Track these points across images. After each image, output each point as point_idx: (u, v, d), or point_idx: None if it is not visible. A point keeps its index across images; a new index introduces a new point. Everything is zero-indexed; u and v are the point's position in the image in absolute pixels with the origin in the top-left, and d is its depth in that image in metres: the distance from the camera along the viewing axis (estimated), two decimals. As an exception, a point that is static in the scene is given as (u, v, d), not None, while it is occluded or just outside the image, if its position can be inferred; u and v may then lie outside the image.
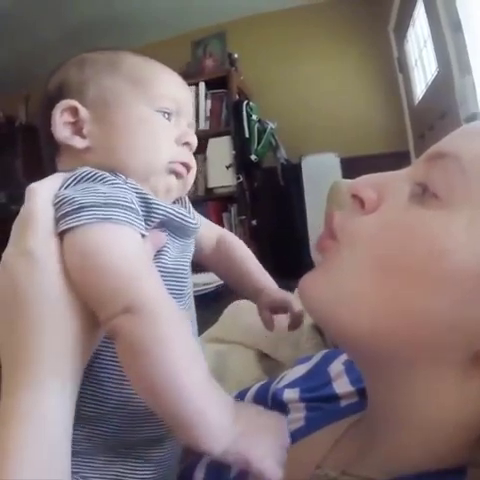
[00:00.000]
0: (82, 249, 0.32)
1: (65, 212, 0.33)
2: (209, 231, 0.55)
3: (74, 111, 0.40)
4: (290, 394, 0.50)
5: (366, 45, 2.95)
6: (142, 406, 0.37)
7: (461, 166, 0.29)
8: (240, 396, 0.55)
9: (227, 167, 2.69)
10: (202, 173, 2.73)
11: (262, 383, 0.58)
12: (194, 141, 0.45)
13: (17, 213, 0.35)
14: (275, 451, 0.30)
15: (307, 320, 0.53)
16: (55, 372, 0.31)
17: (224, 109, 2.80)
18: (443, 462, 0.29)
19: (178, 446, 0.43)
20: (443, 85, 2.04)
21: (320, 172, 2.58)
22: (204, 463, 0.45)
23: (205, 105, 2.81)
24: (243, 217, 2.68)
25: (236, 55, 2.86)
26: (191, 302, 0.45)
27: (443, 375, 0.29)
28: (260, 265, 0.56)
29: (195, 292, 0.47)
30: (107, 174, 0.37)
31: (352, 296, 0.31)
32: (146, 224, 0.37)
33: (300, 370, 0.56)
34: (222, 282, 0.60)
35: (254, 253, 0.57)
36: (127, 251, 0.33)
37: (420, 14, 2.32)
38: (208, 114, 2.82)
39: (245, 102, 2.67)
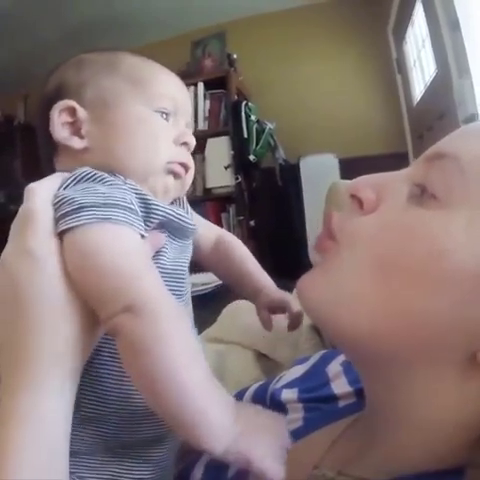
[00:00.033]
0: (82, 248, 0.32)
1: (65, 212, 0.33)
2: (208, 231, 0.55)
3: (72, 111, 0.40)
4: (288, 394, 0.50)
5: (365, 46, 2.95)
6: (141, 405, 0.37)
7: (460, 167, 0.29)
8: (238, 396, 0.55)
9: (225, 167, 2.68)
10: (200, 173, 2.73)
11: (260, 383, 0.58)
12: (192, 141, 0.45)
13: (16, 213, 0.35)
14: (276, 451, 0.29)
15: (305, 320, 0.53)
16: (54, 372, 0.31)
17: (223, 109, 2.80)
18: (442, 462, 0.29)
19: (175, 447, 0.43)
20: (442, 86, 2.04)
21: (318, 173, 2.57)
22: (202, 462, 0.45)
23: (204, 105, 2.81)
24: (241, 217, 2.67)
25: (235, 55, 2.86)
26: (189, 303, 0.45)
27: (442, 375, 0.29)
28: (259, 265, 0.56)
29: (194, 292, 0.47)
30: (106, 175, 0.37)
31: (351, 297, 0.31)
32: (145, 225, 0.37)
33: (298, 370, 0.56)
34: (221, 282, 0.60)
35: (252, 253, 0.57)
36: (127, 250, 0.33)
37: (419, 15, 2.33)
38: (207, 114, 2.81)
39: (244, 102, 2.67)
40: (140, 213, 0.37)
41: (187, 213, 0.44)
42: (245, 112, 2.63)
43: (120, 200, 0.35)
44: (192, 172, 0.45)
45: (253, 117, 2.65)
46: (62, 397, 0.31)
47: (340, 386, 0.48)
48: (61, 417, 0.31)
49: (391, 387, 0.32)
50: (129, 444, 0.39)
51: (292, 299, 0.52)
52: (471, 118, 1.69)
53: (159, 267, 0.39)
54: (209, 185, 2.78)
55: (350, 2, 2.94)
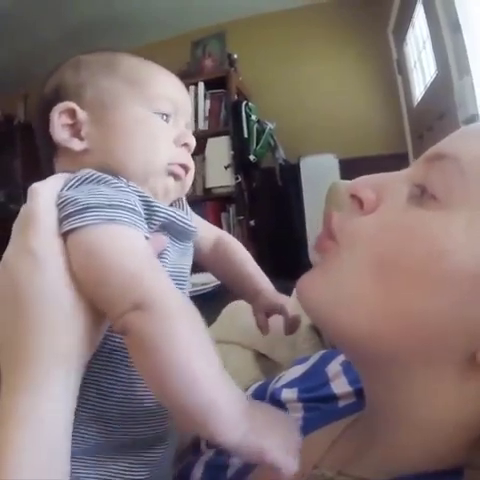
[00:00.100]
0: (88, 248, 0.32)
1: (69, 213, 0.33)
2: (207, 232, 0.55)
3: (72, 113, 0.40)
4: (288, 394, 0.50)
5: (365, 46, 2.95)
6: (143, 404, 0.37)
7: (460, 167, 0.29)
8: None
9: (226, 167, 2.68)
10: (200, 173, 2.73)
11: (260, 383, 0.58)
12: (192, 142, 0.45)
13: (16, 212, 0.35)
14: (289, 444, 0.29)
15: (305, 320, 0.53)
16: (55, 373, 0.31)
17: (223, 109, 2.80)
18: (442, 462, 0.29)
19: (174, 447, 0.43)
20: (442, 87, 2.04)
21: (318, 173, 2.58)
22: (202, 462, 0.45)
23: (204, 105, 2.81)
24: (241, 217, 2.67)
25: (235, 55, 2.86)
26: None
27: (442, 375, 0.29)
28: (258, 267, 0.56)
29: (193, 292, 0.47)
30: (110, 177, 0.37)
31: (351, 297, 0.31)
32: (148, 227, 0.37)
33: (298, 370, 0.56)
34: (220, 282, 0.60)
35: (252, 253, 0.57)
36: (133, 249, 0.33)
37: (419, 16, 2.33)
38: (207, 114, 2.81)
39: (244, 102, 2.67)
40: (143, 215, 0.37)
41: (187, 214, 0.44)
42: (245, 112, 2.63)
43: (124, 202, 0.35)
44: (192, 173, 0.45)
45: (253, 117, 2.65)
46: (63, 397, 0.31)
47: (340, 386, 0.48)
48: (62, 417, 0.31)
49: (391, 387, 0.32)
50: (128, 444, 0.39)
51: (289, 303, 0.52)
52: (471, 119, 1.69)
53: None
54: (209, 185, 2.78)
55: (350, 3, 2.94)
